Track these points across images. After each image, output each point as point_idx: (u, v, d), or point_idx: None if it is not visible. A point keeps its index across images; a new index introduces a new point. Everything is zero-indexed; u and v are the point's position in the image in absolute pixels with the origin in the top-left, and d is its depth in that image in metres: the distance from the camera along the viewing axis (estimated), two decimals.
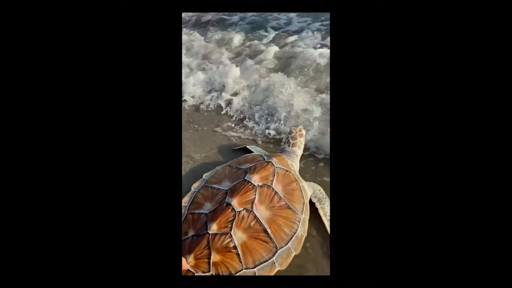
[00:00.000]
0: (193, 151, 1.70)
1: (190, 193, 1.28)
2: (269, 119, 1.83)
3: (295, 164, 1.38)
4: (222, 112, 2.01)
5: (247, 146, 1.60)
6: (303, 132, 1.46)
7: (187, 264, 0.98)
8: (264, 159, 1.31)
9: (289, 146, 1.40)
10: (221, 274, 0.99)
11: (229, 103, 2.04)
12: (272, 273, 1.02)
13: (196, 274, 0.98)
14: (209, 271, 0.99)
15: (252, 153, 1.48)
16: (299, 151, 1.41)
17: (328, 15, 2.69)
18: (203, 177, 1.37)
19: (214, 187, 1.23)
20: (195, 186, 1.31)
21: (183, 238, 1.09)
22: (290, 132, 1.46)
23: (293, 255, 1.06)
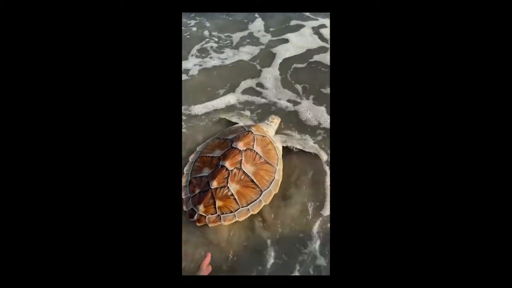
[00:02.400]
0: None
1: (189, 163, 1.62)
2: None
3: (270, 131, 1.76)
4: None
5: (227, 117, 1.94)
6: (278, 120, 1.87)
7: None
8: (245, 129, 1.66)
9: (267, 121, 1.83)
10: (224, 213, 1.39)
11: None
12: (260, 208, 1.45)
13: (206, 216, 1.38)
14: (216, 213, 1.39)
15: (235, 125, 1.82)
16: (274, 127, 1.82)
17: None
18: (197, 149, 1.70)
19: (208, 156, 1.58)
20: (192, 157, 1.65)
21: (192, 195, 1.46)
22: (269, 119, 1.87)
23: (273, 194, 1.49)
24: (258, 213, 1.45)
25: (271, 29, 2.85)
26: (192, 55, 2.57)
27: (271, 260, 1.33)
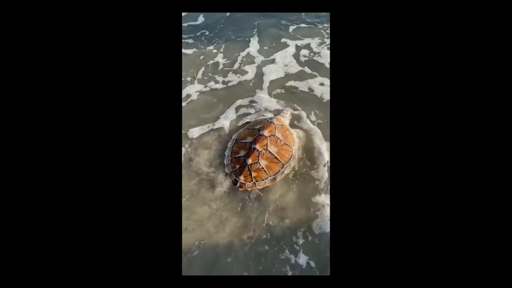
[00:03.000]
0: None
1: (228, 148, 2.21)
2: None
3: (286, 121, 2.30)
4: None
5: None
6: (290, 111, 2.39)
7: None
8: (268, 121, 2.22)
9: (282, 114, 2.36)
10: (258, 181, 1.98)
11: None
12: (283, 176, 2.01)
13: (245, 184, 1.97)
14: (252, 181, 1.98)
15: (260, 118, 2.38)
16: (288, 117, 2.36)
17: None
18: (232, 137, 2.29)
19: (242, 142, 2.16)
20: (229, 143, 2.24)
21: (234, 170, 2.05)
22: (282, 111, 2.39)
23: (292, 166, 2.05)
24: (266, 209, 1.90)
25: (265, 47, 3.13)
26: (195, 78, 2.83)
27: (271, 259, 1.45)
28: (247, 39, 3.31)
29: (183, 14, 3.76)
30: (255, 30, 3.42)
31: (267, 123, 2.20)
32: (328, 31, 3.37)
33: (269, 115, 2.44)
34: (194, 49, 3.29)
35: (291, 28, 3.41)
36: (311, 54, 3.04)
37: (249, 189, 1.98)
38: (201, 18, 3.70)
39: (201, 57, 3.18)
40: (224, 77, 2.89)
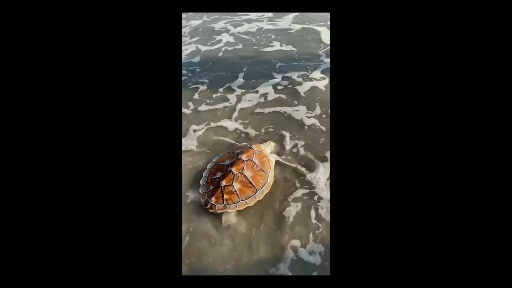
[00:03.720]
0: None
1: (207, 169, 2.24)
2: None
3: (266, 150, 2.37)
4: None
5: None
6: (273, 144, 2.50)
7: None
8: (248, 146, 2.29)
9: (265, 143, 2.45)
10: (229, 204, 1.96)
11: None
12: (254, 202, 2.00)
13: (216, 205, 1.96)
14: (223, 203, 1.97)
15: (242, 143, 2.45)
16: (270, 148, 2.44)
17: None
18: (213, 160, 2.33)
19: (221, 164, 2.20)
20: (209, 165, 2.28)
21: (207, 191, 2.05)
22: (267, 142, 2.49)
23: (265, 192, 2.05)
24: (265, 212, 1.96)
25: (252, 80, 3.37)
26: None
27: (272, 259, 1.48)
28: (235, 74, 3.64)
29: (184, 48, 4.27)
30: (244, 68, 3.76)
31: (246, 148, 2.26)
32: (313, 68, 3.65)
33: (241, 140, 2.53)
34: (185, 77, 3.63)
35: (278, 65, 3.71)
36: (290, 85, 3.26)
37: (218, 212, 1.96)
38: (197, 58, 4.13)
39: (189, 84, 3.49)
40: (197, 105, 3.10)
